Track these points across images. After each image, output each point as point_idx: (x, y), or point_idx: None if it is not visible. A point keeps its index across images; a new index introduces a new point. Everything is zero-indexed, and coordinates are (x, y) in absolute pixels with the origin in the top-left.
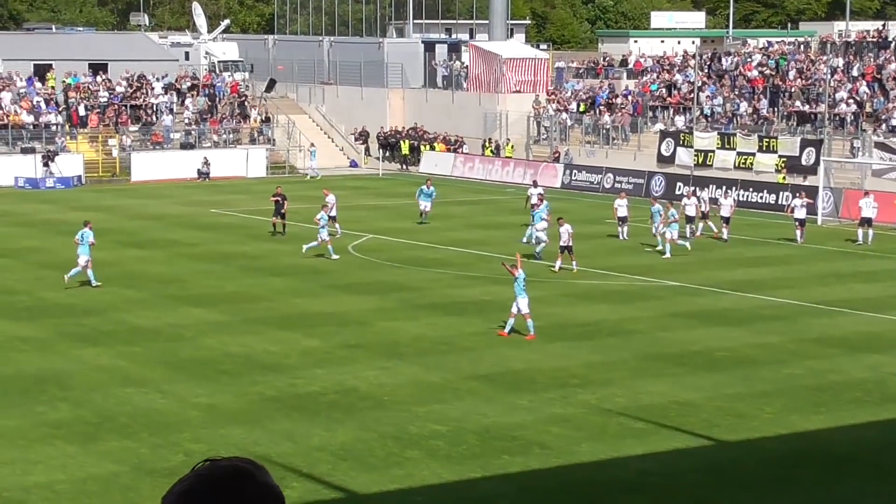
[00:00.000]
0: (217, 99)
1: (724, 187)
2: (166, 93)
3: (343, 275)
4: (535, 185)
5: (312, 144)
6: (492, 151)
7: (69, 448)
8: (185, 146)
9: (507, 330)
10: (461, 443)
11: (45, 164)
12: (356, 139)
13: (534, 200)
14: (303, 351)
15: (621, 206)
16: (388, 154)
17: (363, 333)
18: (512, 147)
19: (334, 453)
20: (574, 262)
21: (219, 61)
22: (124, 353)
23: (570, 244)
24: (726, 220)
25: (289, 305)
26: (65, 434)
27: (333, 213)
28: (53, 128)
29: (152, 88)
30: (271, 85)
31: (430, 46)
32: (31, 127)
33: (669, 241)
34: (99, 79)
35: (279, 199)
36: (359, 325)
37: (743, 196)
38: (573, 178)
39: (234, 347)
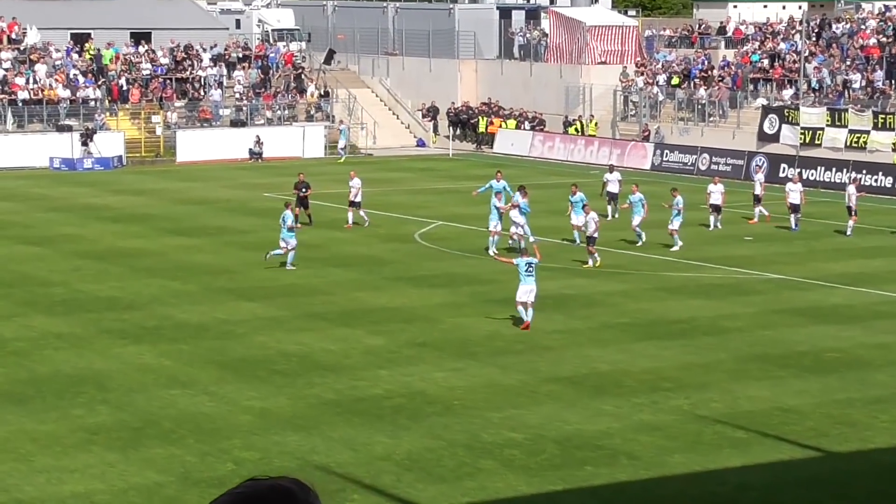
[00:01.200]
0: (270, 71)
1: (835, 170)
2: (215, 65)
3: (409, 266)
4: (611, 170)
5: (342, 122)
6: (574, 130)
7: (109, 455)
8: (236, 123)
9: (528, 320)
10: (540, 452)
11: (84, 143)
12: (423, 115)
13: (611, 188)
14: (365, 350)
15: (714, 193)
16: (458, 132)
17: (431, 331)
18: (596, 124)
19: (399, 463)
20: (593, 257)
21: (273, 30)
22: (169, 352)
23: (595, 235)
24: (795, 209)
25: (350, 299)
26: (104, 440)
27: (358, 199)
28: (92, 103)
29: (200, 60)
30: (330, 56)
31: (505, 13)
32: (68, 102)
33: (672, 232)
34: (141, 49)
35: (303, 188)
36: (426, 321)
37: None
38: (664, 159)
39: (290, 346)
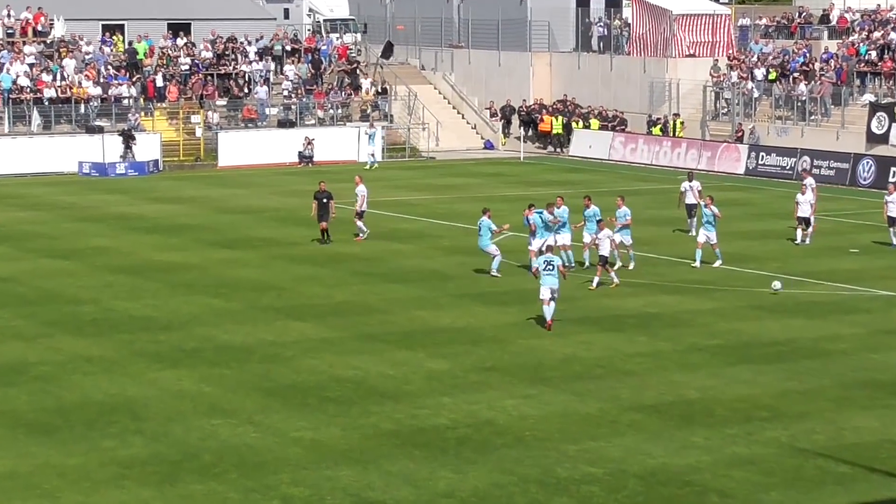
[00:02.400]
0: (322, 66)
1: None
2: (261, 59)
3: (476, 282)
4: (690, 178)
5: (372, 125)
6: (660, 130)
7: (143, 492)
8: (284, 124)
9: (550, 319)
10: (621, 488)
11: (127, 145)
12: (492, 115)
13: (688, 199)
14: (427, 375)
15: (803, 203)
16: (530, 133)
17: (500, 353)
18: (683, 124)
19: (464, 501)
20: (609, 276)
21: (325, 20)
22: (210, 377)
23: (606, 254)
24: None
25: (409, 319)
26: (138, 474)
27: (363, 208)
28: (125, 102)
29: (244, 54)
30: (389, 49)
31: (583, 1)
32: (99, 101)
33: (617, 248)
34: (180, 42)
35: (324, 198)
36: (495, 342)
37: None
38: (760, 162)
39: (343, 370)
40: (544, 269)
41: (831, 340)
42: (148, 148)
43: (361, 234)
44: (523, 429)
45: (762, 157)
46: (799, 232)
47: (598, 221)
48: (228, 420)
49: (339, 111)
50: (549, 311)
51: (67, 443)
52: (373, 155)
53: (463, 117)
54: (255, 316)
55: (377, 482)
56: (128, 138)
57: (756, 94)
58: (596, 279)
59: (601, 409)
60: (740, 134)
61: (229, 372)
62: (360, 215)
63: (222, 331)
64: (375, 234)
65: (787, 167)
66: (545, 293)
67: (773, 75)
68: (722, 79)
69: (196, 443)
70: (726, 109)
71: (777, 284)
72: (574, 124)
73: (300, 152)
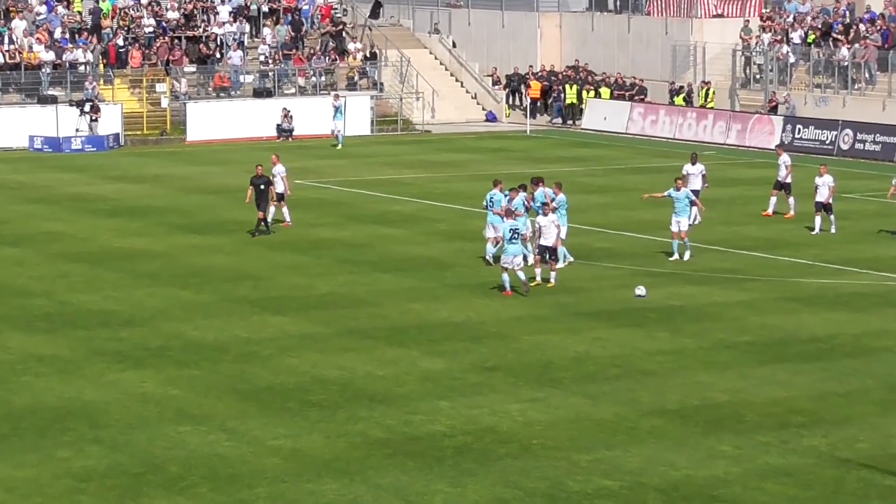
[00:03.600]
0: (304, 28)
1: None
2: (235, 20)
3: (477, 271)
4: (693, 160)
5: (337, 97)
6: (683, 100)
7: None
8: (260, 93)
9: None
10: (640, 503)
11: (89, 117)
12: (494, 83)
13: (692, 184)
14: (422, 375)
15: (822, 187)
16: (539, 103)
17: (504, 351)
18: (712, 93)
19: None
20: (552, 274)
21: None
22: (178, 379)
23: (553, 245)
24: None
25: (402, 312)
26: (95, 488)
27: (280, 190)
28: (82, 69)
29: (216, 13)
30: (377, 8)
31: None
32: (52, 68)
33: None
34: (143, 1)
35: (262, 184)
36: (498, 339)
37: None
38: (796, 136)
39: (328, 371)
40: (510, 239)
41: (876, 336)
42: (108, 120)
43: (284, 221)
44: (530, 436)
45: (799, 130)
46: (818, 220)
47: (543, 205)
48: (198, 427)
49: (323, 79)
50: (508, 281)
51: (17, 453)
52: (339, 132)
53: (462, 86)
54: (229, 309)
55: (365, 497)
56: (93, 109)
57: (792, 60)
58: (538, 272)
59: (617, 415)
60: (774, 104)
61: (199, 373)
62: (281, 198)
63: (192, 326)
64: (364, 217)
65: (827, 141)
66: (507, 262)
67: (811, 38)
68: (753, 42)
69: (161, 453)
70: (758, 76)
71: (641, 290)
72: (585, 94)
73: (278, 125)
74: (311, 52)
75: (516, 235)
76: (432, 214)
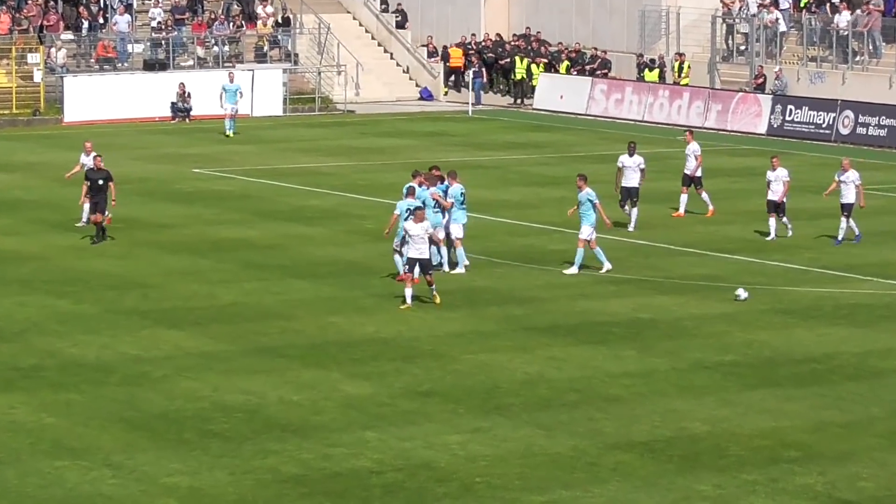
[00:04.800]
0: None
1: None
2: None
3: None
4: (631, 150)
5: (232, 77)
6: (656, 76)
7: None
8: (152, 66)
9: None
10: None
11: None
12: (430, 54)
13: (627, 180)
14: (344, 401)
15: (775, 182)
16: (486, 79)
17: (441, 373)
18: (687, 67)
19: None
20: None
21: None
22: (54, 404)
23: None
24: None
25: (321, 327)
26: None
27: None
28: None
29: None
30: None
31: None
32: None
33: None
34: None
35: (100, 178)
36: (434, 358)
37: None
38: (786, 118)
39: (233, 395)
40: (405, 218)
41: (883, 356)
42: None
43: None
44: (472, 473)
45: (790, 111)
46: (772, 223)
47: (418, 208)
48: (78, 462)
49: (227, 49)
50: (400, 262)
51: None
52: (232, 117)
53: (391, 57)
54: (114, 322)
55: None
56: None
57: (782, 28)
58: (408, 291)
59: (576, 448)
60: (761, 81)
61: (79, 397)
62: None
63: (70, 342)
64: (274, 213)
65: (824, 125)
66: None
67: (804, 1)
68: (737, 6)
69: (35, 491)
70: (743, 48)
71: (742, 293)
72: (537, 68)
73: (174, 104)
74: (213, 17)
75: (410, 214)
76: (356, 210)
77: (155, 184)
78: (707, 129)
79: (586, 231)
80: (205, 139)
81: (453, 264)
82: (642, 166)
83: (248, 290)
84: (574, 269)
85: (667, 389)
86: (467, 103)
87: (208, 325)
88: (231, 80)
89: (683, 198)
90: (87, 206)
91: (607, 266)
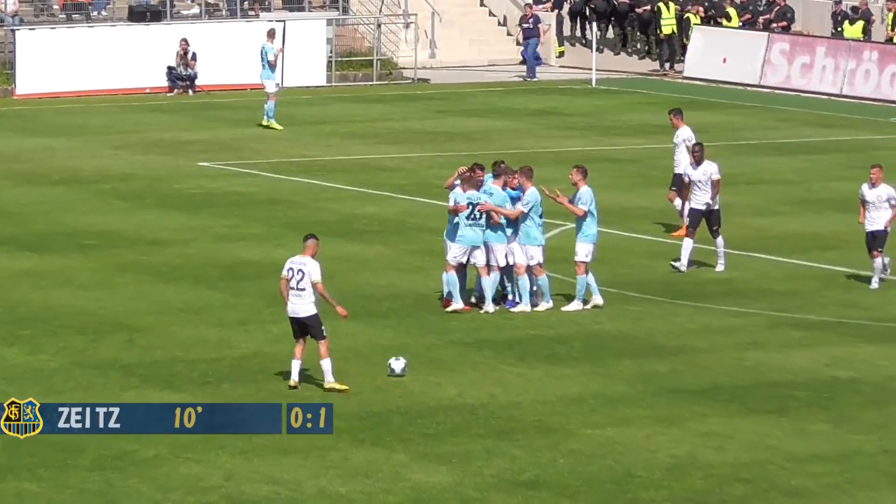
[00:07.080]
0: None
1: None
2: None
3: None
4: (698, 159)
5: (272, 35)
6: (862, 30)
7: None
8: (140, 16)
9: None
10: None
11: None
12: (537, 1)
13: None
14: (412, 495)
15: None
16: (610, 33)
17: (551, 455)
18: None
19: None
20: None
21: None
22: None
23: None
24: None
25: (378, 388)
26: None
27: None
28: None
29: None
30: None
31: None
32: None
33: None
34: None
35: None
36: (541, 434)
37: None
38: None
39: (253, 485)
40: (467, 219)
41: None
42: None
43: None
44: None
45: None
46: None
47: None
48: None
49: None
50: (489, 286)
51: None
52: (273, 90)
53: (482, 4)
54: (86, 381)
55: None
56: None
57: None
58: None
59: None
60: None
61: (36, 487)
62: None
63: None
64: (317, 223)
65: None
66: (457, 253)
67: None
68: None
69: None
70: None
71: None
72: (693, 18)
73: (171, 69)
74: None
75: (477, 214)
76: (430, 222)
77: (145, 183)
78: None
79: (583, 250)
80: (215, 119)
81: (503, 298)
82: (714, 176)
83: (276, 335)
84: (577, 304)
85: (874, 480)
86: (591, 71)
87: (219, 386)
88: (271, 39)
89: (677, 203)
90: None
91: (597, 301)
